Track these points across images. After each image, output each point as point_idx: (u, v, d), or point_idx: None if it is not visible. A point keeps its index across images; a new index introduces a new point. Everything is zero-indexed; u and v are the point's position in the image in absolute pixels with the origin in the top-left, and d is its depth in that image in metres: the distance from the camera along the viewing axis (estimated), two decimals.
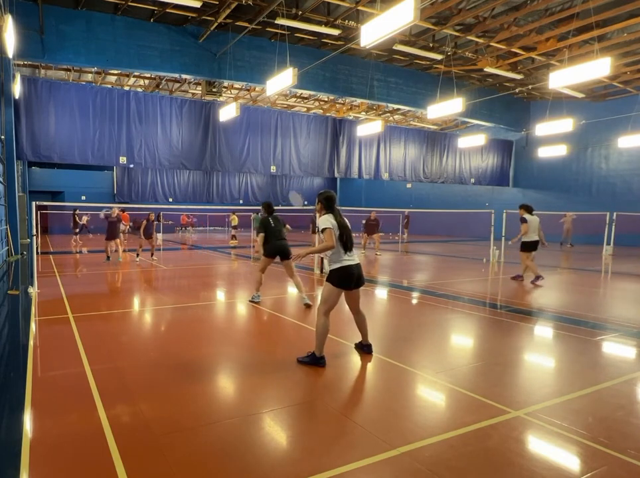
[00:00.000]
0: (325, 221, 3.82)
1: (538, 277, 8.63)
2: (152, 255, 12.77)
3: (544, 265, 12.24)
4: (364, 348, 4.31)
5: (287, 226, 6.95)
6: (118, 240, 12.31)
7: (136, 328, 5.53)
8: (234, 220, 19.42)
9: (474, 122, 20.61)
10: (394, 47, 13.43)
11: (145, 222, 12.18)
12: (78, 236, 16.94)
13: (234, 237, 19.62)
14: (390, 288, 8.47)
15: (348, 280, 3.88)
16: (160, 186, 27.20)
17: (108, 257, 12.16)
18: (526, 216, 8.71)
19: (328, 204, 4.00)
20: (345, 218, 4.00)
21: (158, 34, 12.92)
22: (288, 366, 4.00)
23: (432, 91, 16.58)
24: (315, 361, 3.92)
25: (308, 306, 6.33)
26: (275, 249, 6.40)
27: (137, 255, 12.53)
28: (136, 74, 16.67)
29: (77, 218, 16.94)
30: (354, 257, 3.94)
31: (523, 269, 9.10)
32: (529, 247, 8.78)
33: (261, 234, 6.38)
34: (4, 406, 3.15)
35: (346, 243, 3.85)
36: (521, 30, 12.53)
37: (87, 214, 20.36)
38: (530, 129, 20.89)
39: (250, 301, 6.75)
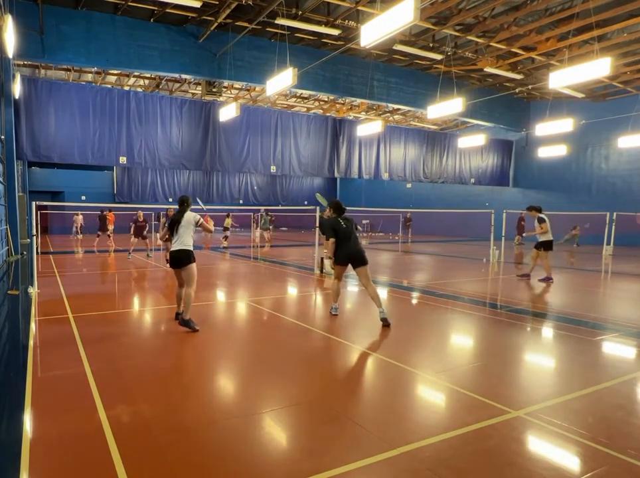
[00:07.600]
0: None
1: (549, 278, 8.73)
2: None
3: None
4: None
5: (358, 227, 6.28)
6: (137, 240, 12.76)
7: (136, 328, 5.52)
8: (228, 222, 19.52)
9: (474, 122, 20.61)
10: (394, 47, 13.44)
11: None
12: (111, 237, 17.26)
13: (225, 238, 19.70)
14: (389, 288, 8.46)
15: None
16: (160, 186, 27.24)
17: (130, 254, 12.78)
18: (542, 215, 8.83)
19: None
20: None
21: (158, 34, 12.92)
22: (288, 366, 4.00)
23: (432, 91, 16.57)
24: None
25: (386, 324, 5.30)
26: (349, 255, 5.68)
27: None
28: (136, 74, 16.67)
29: (107, 219, 17.14)
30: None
31: (531, 268, 9.28)
32: (548, 246, 8.86)
33: (332, 239, 5.68)
34: (4, 406, 3.15)
35: None
36: (521, 30, 12.53)
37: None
38: (530, 129, 20.87)
39: (331, 313, 6.04)
